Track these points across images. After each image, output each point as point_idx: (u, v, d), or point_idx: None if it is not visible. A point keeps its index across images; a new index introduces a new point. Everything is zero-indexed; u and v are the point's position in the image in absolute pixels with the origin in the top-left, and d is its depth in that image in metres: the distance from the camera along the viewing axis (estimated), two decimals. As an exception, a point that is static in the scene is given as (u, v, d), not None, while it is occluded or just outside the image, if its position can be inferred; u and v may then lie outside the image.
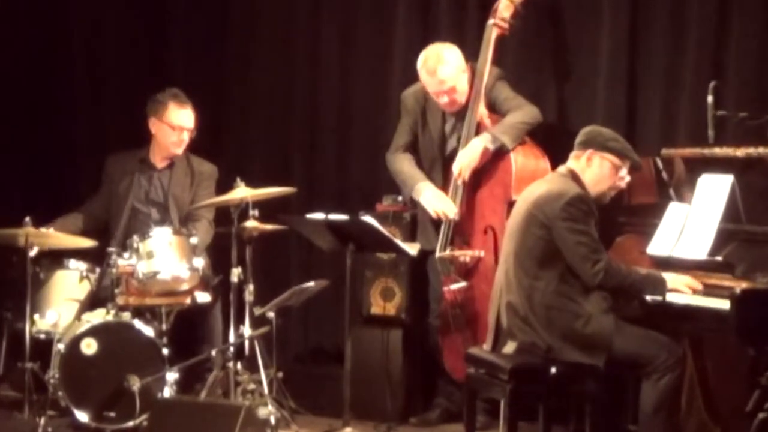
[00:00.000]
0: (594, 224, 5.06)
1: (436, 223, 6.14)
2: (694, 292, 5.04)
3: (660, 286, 5.06)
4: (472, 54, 6.15)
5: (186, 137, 6.43)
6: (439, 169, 6.21)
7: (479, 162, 5.98)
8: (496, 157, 5.99)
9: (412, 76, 6.24)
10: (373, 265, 6.44)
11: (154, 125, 6.45)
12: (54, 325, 6.01)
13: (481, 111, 6.07)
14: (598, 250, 5.02)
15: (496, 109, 6.12)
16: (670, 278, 5.08)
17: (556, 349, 5.00)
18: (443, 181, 6.17)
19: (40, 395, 5.81)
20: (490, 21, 6.12)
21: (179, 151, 6.46)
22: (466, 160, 5.98)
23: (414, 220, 6.39)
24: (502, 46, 6.23)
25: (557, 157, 5.35)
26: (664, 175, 5.58)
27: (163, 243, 5.99)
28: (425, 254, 6.19)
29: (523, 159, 5.98)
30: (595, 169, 5.17)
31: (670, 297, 5.07)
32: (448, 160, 6.15)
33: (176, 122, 6.39)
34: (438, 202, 6.07)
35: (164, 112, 6.39)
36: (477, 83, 6.08)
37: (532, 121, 6.02)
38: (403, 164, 6.26)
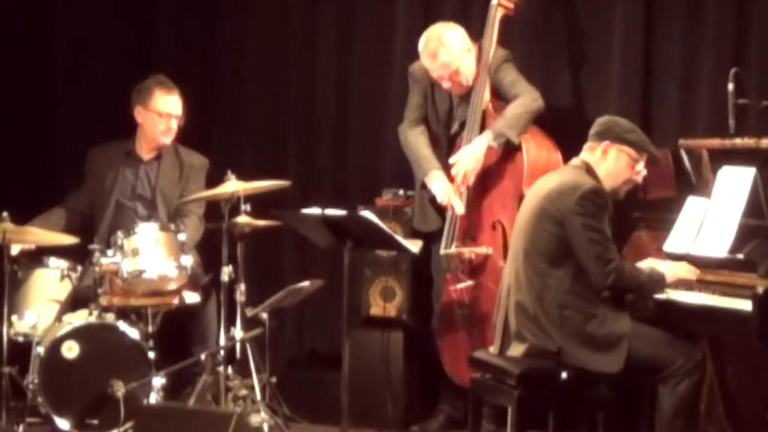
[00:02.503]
0: (608, 219, 4.99)
1: (437, 205, 6.11)
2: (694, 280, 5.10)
3: (661, 283, 5.06)
4: (477, 37, 6.11)
5: (174, 125, 6.37)
6: (442, 148, 6.15)
7: (484, 162, 5.94)
8: (506, 150, 5.94)
9: (415, 61, 6.19)
10: (372, 264, 6.38)
11: (140, 114, 6.38)
12: (33, 327, 5.93)
13: (486, 97, 6.03)
14: (611, 249, 4.96)
15: (499, 93, 6.06)
16: (669, 270, 5.08)
17: (569, 352, 4.93)
18: (446, 162, 6.10)
19: (18, 402, 5.76)
20: (494, 1, 6.08)
21: (167, 140, 6.40)
22: (470, 164, 5.92)
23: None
24: (512, 32, 6.22)
25: (569, 148, 5.34)
26: (688, 167, 5.50)
27: (149, 240, 5.91)
28: (428, 252, 6.13)
29: (536, 150, 5.93)
30: (611, 162, 5.10)
31: (687, 297, 5.04)
32: (452, 140, 6.13)
33: (164, 109, 6.33)
34: (446, 193, 6.02)
35: (150, 99, 6.33)
36: (482, 66, 6.04)
37: (535, 109, 5.95)
38: (419, 143, 6.20)
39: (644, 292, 5.07)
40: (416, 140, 6.19)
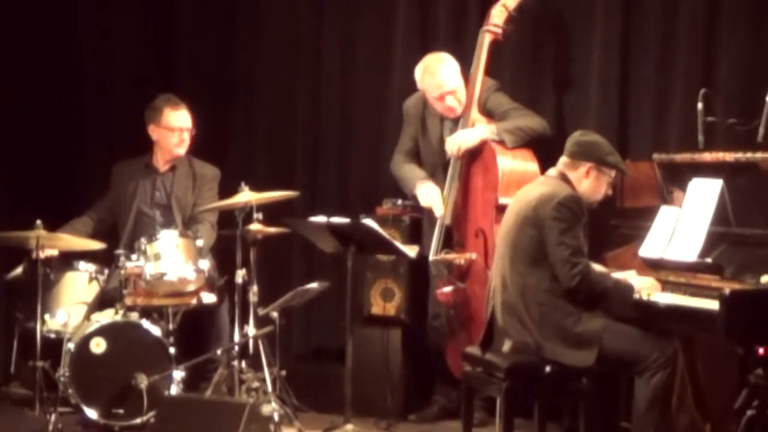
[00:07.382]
0: (584, 226, 5.06)
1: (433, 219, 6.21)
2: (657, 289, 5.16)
3: (629, 293, 5.10)
4: (470, 64, 6.22)
5: (186, 137, 6.52)
6: (441, 175, 6.23)
7: (473, 147, 6.04)
8: (484, 162, 6.04)
9: (412, 83, 6.31)
10: (373, 267, 6.49)
11: (154, 131, 6.55)
12: (64, 325, 6.06)
13: (474, 116, 6.12)
14: (579, 254, 5.00)
15: (496, 119, 6.14)
16: (637, 282, 5.15)
17: (546, 348, 5.00)
18: (443, 187, 6.23)
19: (51, 393, 5.84)
20: (483, 27, 6.18)
21: (182, 151, 6.54)
22: (465, 141, 6.04)
23: (413, 223, 6.46)
24: (498, 55, 6.28)
25: (553, 162, 5.33)
26: (660, 179, 5.61)
27: (169, 245, 6.05)
28: (424, 256, 6.21)
29: (511, 162, 6.01)
30: (593, 182, 5.18)
31: (661, 298, 5.12)
32: (448, 165, 6.20)
33: (174, 124, 6.49)
34: (428, 197, 6.16)
35: (161, 117, 6.48)
36: (470, 90, 6.13)
37: (541, 131, 6.07)
38: (404, 169, 6.36)
39: (610, 298, 5.07)
40: (402, 168, 6.35)
